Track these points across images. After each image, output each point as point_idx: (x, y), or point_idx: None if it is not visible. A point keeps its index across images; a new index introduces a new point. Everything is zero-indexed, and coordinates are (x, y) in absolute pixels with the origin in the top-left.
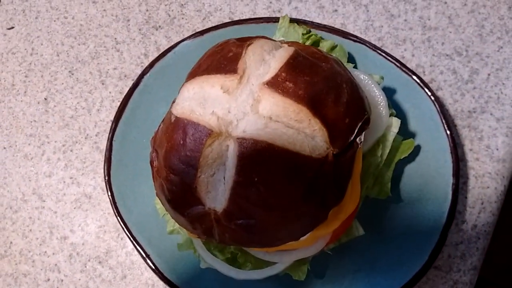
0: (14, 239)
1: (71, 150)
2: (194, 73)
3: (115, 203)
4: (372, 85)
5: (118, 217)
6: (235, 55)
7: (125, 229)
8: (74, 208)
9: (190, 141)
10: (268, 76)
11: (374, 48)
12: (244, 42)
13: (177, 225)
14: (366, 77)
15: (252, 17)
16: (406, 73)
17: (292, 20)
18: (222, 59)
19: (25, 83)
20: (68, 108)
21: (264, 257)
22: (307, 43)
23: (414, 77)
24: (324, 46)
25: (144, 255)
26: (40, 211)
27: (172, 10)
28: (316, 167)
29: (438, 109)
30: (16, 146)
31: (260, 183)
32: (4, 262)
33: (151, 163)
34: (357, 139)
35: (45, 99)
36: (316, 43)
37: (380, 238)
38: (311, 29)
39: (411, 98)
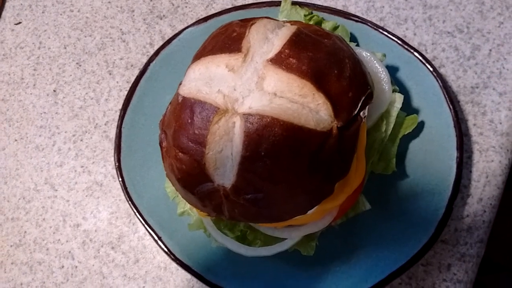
0: (28, 229)
1: (81, 140)
2: (199, 55)
3: (126, 188)
4: (375, 62)
5: (129, 202)
6: (239, 35)
7: (136, 213)
8: (86, 196)
9: (197, 120)
10: (271, 54)
11: (376, 27)
12: (247, 22)
13: (187, 207)
14: (369, 54)
15: (255, 2)
16: (408, 50)
17: (294, 3)
18: (226, 39)
19: (34, 76)
20: (77, 99)
21: (273, 234)
22: (310, 23)
23: (416, 54)
24: (326, 27)
25: (156, 238)
26: (53, 200)
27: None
28: (320, 140)
29: (441, 84)
30: (27, 138)
31: (266, 157)
32: (19, 251)
33: (160, 144)
34: (361, 113)
35: (54, 91)
36: (318, 24)
37: (386, 213)
38: (313, 11)
39: (413, 75)
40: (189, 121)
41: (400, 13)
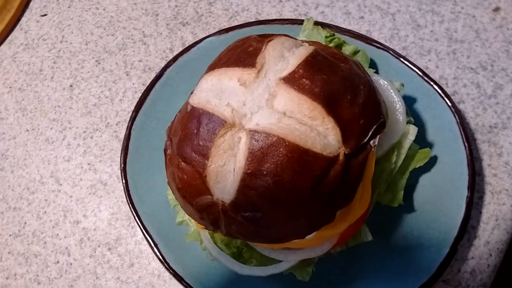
0: (28, 220)
1: (91, 137)
2: (213, 66)
3: (129, 191)
4: (391, 91)
5: (130, 205)
6: (255, 50)
7: (135, 217)
8: (89, 193)
9: (203, 131)
10: (285, 72)
11: (397, 56)
12: (265, 38)
13: (186, 217)
14: (386, 83)
15: (278, 18)
16: (428, 82)
17: (317, 23)
18: (242, 53)
19: (53, 69)
20: (92, 96)
21: (269, 254)
22: (330, 45)
23: (436, 87)
24: (346, 50)
25: (152, 244)
26: (56, 194)
27: (200, 8)
28: (325, 165)
29: (458, 120)
30: (38, 129)
31: (268, 176)
32: (17, 241)
33: (165, 151)
34: (371, 142)
35: (71, 86)
36: (338, 47)
37: (388, 246)
38: (335, 33)
39: (431, 108)
40: (195, 131)
41: (424, 44)
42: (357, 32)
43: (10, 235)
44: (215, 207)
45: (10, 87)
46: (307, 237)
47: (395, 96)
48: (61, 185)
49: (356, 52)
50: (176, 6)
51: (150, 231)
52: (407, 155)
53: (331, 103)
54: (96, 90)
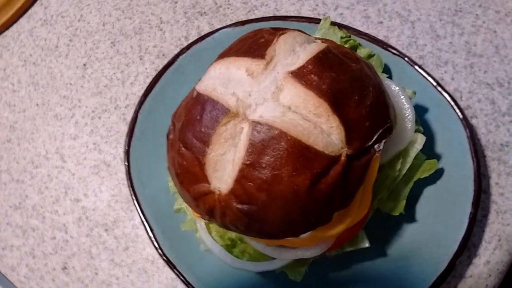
0: (30, 193)
1: (99, 118)
2: (223, 54)
3: (130, 174)
4: (402, 97)
5: (130, 188)
6: (266, 42)
7: (134, 200)
8: (92, 173)
9: (206, 118)
10: (294, 67)
11: (413, 63)
12: (277, 31)
13: (184, 205)
14: (398, 88)
15: (295, 15)
16: (442, 93)
17: (334, 24)
18: (253, 44)
19: (68, 47)
20: (104, 77)
21: (263, 250)
22: (345, 46)
23: (449, 99)
24: (361, 53)
25: (148, 229)
26: (59, 171)
27: None
28: (326, 164)
29: (469, 135)
30: (48, 104)
31: (267, 169)
32: (16, 213)
33: (168, 135)
34: (375, 146)
35: (84, 65)
36: (353, 49)
37: (385, 254)
38: (351, 35)
39: (442, 119)
40: (198, 117)
41: (442, 55)
42: (373, 36)
43: (10, 207)
44: (211, 196)
45: (25, 61)
46: (302, 236)
47: (405, 103)
48: (65, 162)
49: (370, 56)
50: None
51: (148, 215)
52: (413, 164)
53: (337, 102)
54: (109, 71)
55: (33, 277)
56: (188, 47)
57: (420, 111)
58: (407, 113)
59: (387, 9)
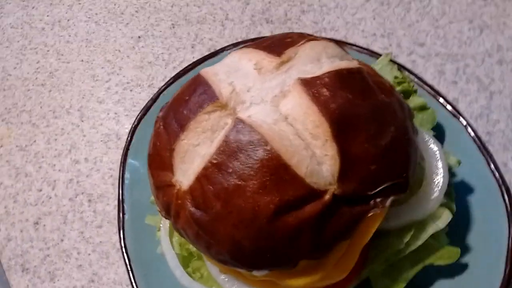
0: (38, 140)
1: (131, 90)
2: (247, 46)
3: (128, 149)
4: (439, 161)
5: (121, 164)
6: (291, 42)
7: (120, 175)
8: (101, 141)
9: (193, 101)
10: (310, 75)
11: (472, 134)
12: (309, 36)
13: None
14: (436, 149)
15: (359, 45)
16: (495, 177)
17: (394, 62)
18: (278, 41)
19: (132, 17)
20: (151, 53)
21: (216, 277)
22: (396, 88)
23: (503, 187)
24: (413, 101)
25: (121, 215)
26: (73, 128)
27: (291, 12)
28: (302, 194)
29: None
30: (92, 63)
31: (233, 175)
32: (19, 154)
33: (160, 110)
34: (378, 200)
35: (139, 37)
36: (406, 94)
37: None
38: (411, 81)
39: (486, 207)
40: (187, 98)
41: None
42: (438, 91)
43: (17, 146)
44: (171, 190)
45: (89, 18)
46: (256, 273)
47: (440, 167)
48: (82, 121)
49: (423, 108)
50: (269, 2)
51: (126, 198)
52: (428, 244)
53: (342, 128)
54: (158, 50)
55: (5, 220)
56: (236, 44)
57: (462, 188)
58: (437, 179)
59: (468, 70)
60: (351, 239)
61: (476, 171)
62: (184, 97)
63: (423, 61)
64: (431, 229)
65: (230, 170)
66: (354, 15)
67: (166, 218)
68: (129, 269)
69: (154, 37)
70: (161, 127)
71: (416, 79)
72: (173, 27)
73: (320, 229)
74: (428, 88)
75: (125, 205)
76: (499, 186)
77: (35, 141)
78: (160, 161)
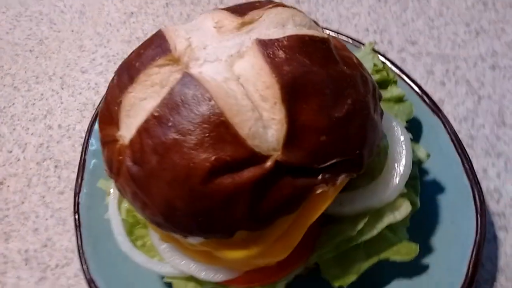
0: (17, 103)
1: (115, 63)
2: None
3: (97, 116)
4: (403, 149)
5: (88, 129)
6: (259, 5)
7: (85, 140)
8: (77, 109)
9: (147, 53)
10: (268, 38)
11: (452, 135)
12: (281, 3)
13: None
14: (403, 137)
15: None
16: (470, 181)
17: (376, 52)
18: (247, 4)
19: None
20: (141, 30)
21: (156, 245)
22: (374, 76)
23: (475, 188)
24: (390, 91)
25: (78, 173)
26: (52, 95)
27: (287, 1)
28: (242, 156)
29: (478, 240)
30: (81, 34)
31: (172, 129)
32: None
33: None
34: (327, 176)
35: (132, 13)
36: (384, 83)
37: None
38: (391, 72)
39: (456, 208)
40: (142, 51)
41: (498, 145)
42: (419, 85)
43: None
44: (115, 145)
45: None
46: (191, 240)
47: (403, 156)
48: (62, 89)
49: (400, 99)
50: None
51: (87, 164)
52: (383, 236)
53: (294, 92)
54: (148, 27)
55: None
56: None
57: (433, 186)
58: (399, 167)
59: (458, 72)
60: (296, 216)
61: (450, 171)
62: (140, 51)
63: (412, 59)
64: (387, 219)
65: (170, 124)
66: (349, 9)
67: (110, 177)
68: (78, 234)
69: (146, 14)
70: (115, 80)
71: (398, 71)
72: (167, 6)
73: (259, 197)
74: (410, 80)
75: (85, 171)
76: (472, 188)
77: (13, 103)
78: (109, 116)
